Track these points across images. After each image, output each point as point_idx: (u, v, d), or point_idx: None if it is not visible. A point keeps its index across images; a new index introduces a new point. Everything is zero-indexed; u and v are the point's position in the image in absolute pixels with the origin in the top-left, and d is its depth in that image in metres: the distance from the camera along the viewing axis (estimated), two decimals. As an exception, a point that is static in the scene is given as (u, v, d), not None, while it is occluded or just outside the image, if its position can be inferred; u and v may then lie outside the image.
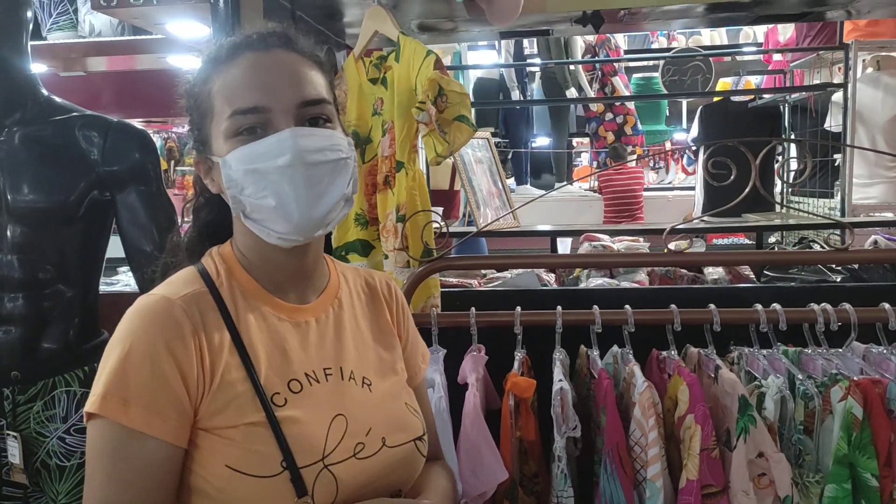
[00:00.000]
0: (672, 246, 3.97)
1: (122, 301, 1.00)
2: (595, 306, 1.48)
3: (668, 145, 8.05)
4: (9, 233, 1.60)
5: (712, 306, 1.46)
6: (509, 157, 7.04)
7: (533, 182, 7.11)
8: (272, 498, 0.87)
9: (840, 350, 1.44)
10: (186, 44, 2.42)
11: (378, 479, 0.96)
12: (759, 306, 1.45)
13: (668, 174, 8.36)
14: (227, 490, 0.87)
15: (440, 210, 4.07)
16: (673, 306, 1.46)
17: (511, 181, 7.14)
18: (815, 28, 4.13)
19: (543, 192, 6.69)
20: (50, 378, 1.62)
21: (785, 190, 4.69)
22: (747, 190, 1.40)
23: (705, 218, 3.82)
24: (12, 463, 1.62)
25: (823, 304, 1.44)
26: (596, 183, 6.47)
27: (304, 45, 1.00)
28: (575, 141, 7.95)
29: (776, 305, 1.44)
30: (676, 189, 7.12)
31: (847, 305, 1.43)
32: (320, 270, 1.06)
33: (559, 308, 1.48)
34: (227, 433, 0.89)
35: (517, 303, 1.55)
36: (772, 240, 3.99)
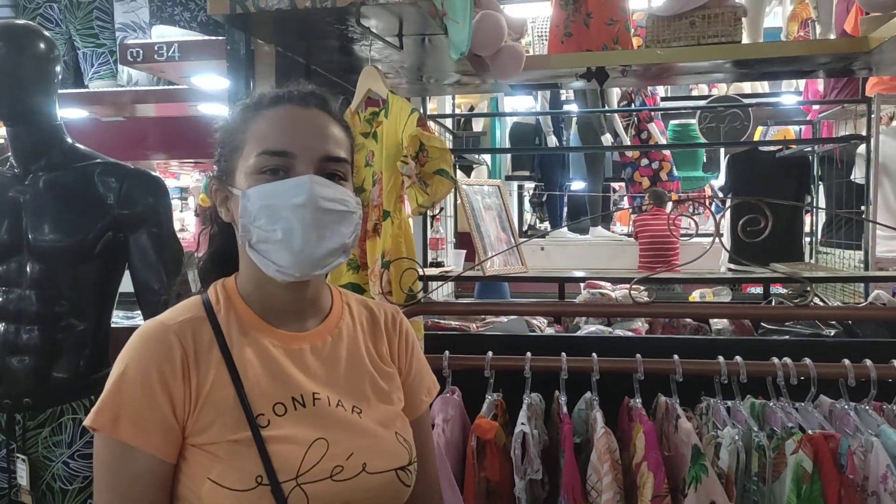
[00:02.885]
0: (697, 294, 3.93)
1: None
2: (563, 353, 1.54)
3: (707, 191, 8.01)
4: (28, 269, 1.74)
5: (676, 357, 1.51)
6: (544, 200, 7.11)
7: (569, 226, 7.15)
8: None
9: (802, 404, 1.47)
10: (213, 94, 2.59)
11: (355, 502, 1.01)
12: (721, 358, 1.49)
13: (708, 220, 8.29)
14: (207, 501, 0.95)
15: (464, 252, 4.16)
16: (637, 356, 1.52)
17: (546, 224, 7.20)
18: (841, 80, 4.13)
19: (577, 235, 6.75)
20: (58, 406, 1.74)
21: (815, 240, 4.66)
22: (713, 239, 1.46)
23: (732, 267, 3.79)
24: (20, 484, 1.74)
25: (784, 359, 1.47)
26: (632, 228, 6.47)
27: (336, 109, 1.11)
28: (616, 185, 7.97)
29: (738, 358, 1.49)
30: (711, 236, 7.05)
31: (807, 360, 1.46)
32: (321, 303, 1.13)
33: (528, 354, 1.54)
34: (212, 448, 0.97)
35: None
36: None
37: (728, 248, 4.82)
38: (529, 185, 7.63)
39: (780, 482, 1.36)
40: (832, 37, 2.81)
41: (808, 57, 2.35)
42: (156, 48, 2.10)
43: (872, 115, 3.61)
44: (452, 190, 1.62)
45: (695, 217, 8.20)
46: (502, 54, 2.21)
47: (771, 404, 1.47)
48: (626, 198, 8.39)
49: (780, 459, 1.36)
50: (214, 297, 1.09)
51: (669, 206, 6.30)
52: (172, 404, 0.98)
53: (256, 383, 1.01)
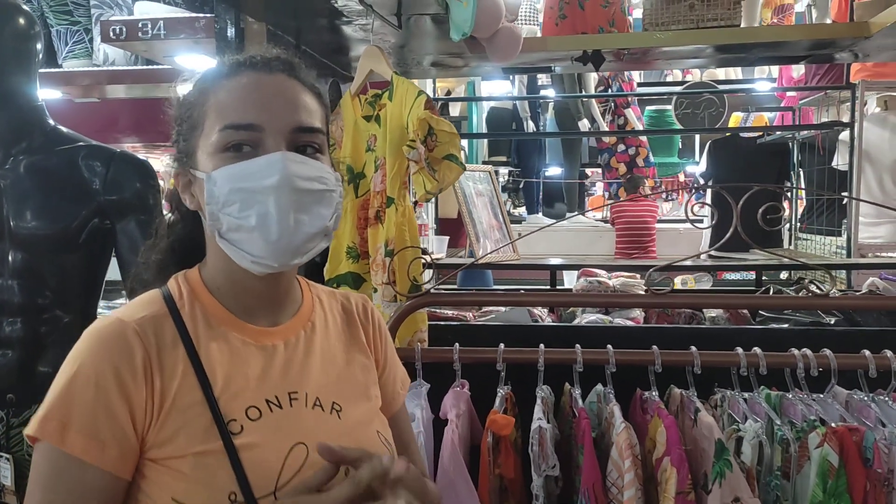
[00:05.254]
0: (678, 281, 3.91)
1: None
2: (577, 346, 1.49)
3: (681, 177, 8.05)
4: (10, 258, 1.64)
5: (693, 348, 1.47)
6: (521, 186, 7.07)
7: (545, 211, 7.13)
8: None
9: (822, 395, 1.45)
10: (195, 74, 2.48)
11: None
12: (739, 350, 1.46)
13: (681, 206, 8.35)
14: None
15: (446, 239, 4.11)
16: (654, 348, 1.48)
17: (523, 210, 7.17)
18: (823, 67, 4.14)
19: (553, 221, 6.72)
20: (44, 402, 1.66)
21: (793, 226, 4.69)
22: (728, 234, 1.42)
23: (713, 254, 3.80)
24: (3, 484, 1.65)
25: (804, 350, 1.45)
26: (608, 214, 6.47)
27: (305, 74, 0.99)
28: (589, 171, 7.97)
29: (756, 349, 1.45)
30: (688, 222, 7.08)
31: (827, 351, 1.44)
32: (293, 295, 1.03)
33: (541, 346, 1.49)
34: (175, 464, 0.86)
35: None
36: (784, 276, 3.98)
37: (708, 234, 4.80)
38: (504, 171, 7.58)
39: (804, 476, 1.33)
40: (829, 21, 2.80)
41: (807, 42, 2.32)
42: (140, 25, 1.99)
43: (857, 101, 3.62)
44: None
45: (669, 201, 8.25)
46: (500, 36, 2.15)
47: (789, 396, 1.44)
48: (598, 184, 8.41)
49: (803, 453, 1.33)
50: (177, 290, 0.97)
51: (647, 191, 6.32)
52: (131, 412, 0.86)
53: (226, 386, 0.91)
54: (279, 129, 0.92)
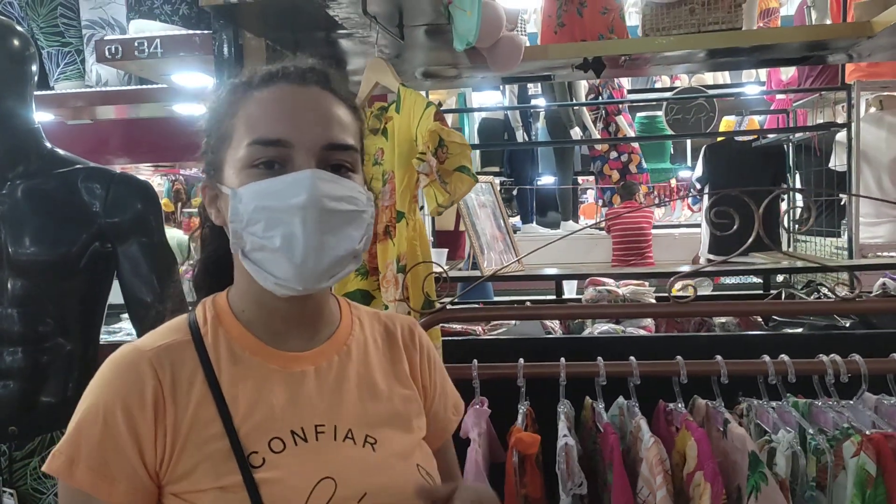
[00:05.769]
0: (678, 286, 3.89)
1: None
2: (599, 358, 1.46)
3: (672, 183, 8.06)
4: (9, 286, 1.59)
5: (719, 358, 1.44)
6: (514, 195, 7.06)
7: (539, 220, 7.12)
8: None
9: (851, 402, 1.41)
10: (191, 93, 2.44)
11: None
12: (766, 358, 1.42)
13: (675, 212, 8.36)
14: None
15: (445, 251, 4.07)
16: (679, 358, 1.44)
17: (517, 219, 7.16)
18: (816, 68, 4.14)
19: (548, 230, 6.71)
20: (48, 433, 1.60)
21: (791, 227, 4.67)
22: (751, 239, 1.39)
23: (712, 258, 3.77)
24: (8, 521, 1.59)
25: (833, 356, 1.41)
26: (603, 221, 6.46)
27: (341, 87, 0.95)
28: (580, 178, 7.97)
29: (784, 357, 1.42)
30: (683, 227, 7.10)
31: (857, 357, 1.40)
32: (327, 317, 0.97)
33: (562, 360, 1.46)
34: (195, 498, 0.83)
35: (522, 351, 1.53)
36: (780, 279, 3.96)
37: (707, 239, 4.77)
38: (496, 181, 7.56)
39: (839, 486, 1.30)
40: (828, 22, 2.79)
41: (808, 43, 2.31)
42: (136, 44, 1.95)
43: (853, 102, 3.62)
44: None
45: (662, 206, 8.25)
46: (501, 45, 2.12)
47: (819, 403, 1.41)
48: (589, 192, 8.42)
49: (838, 462, 1.30)
50: (202, 316, 0.94)
51: (642, 199, 6.32)
52: (140, 447, 0.83)
53: (248, 416, 0.86)
54: (310, 145, 0.88)
